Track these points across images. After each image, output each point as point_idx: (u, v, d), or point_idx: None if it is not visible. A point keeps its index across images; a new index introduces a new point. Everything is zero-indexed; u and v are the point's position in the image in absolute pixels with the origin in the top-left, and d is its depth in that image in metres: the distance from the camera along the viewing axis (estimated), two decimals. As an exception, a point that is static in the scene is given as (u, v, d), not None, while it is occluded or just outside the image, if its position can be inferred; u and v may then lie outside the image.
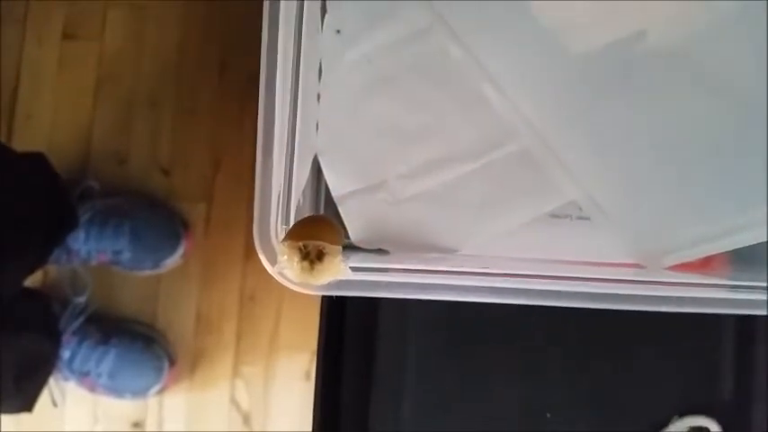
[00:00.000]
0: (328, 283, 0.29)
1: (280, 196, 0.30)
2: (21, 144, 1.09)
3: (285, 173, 0.30)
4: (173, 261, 1.06)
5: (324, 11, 0.38)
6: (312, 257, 0.29)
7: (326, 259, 0.29)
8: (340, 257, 0.29)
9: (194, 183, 1.09)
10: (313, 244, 0.29)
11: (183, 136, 1.10)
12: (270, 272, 0.29)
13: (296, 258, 0.29)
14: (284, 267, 0.29)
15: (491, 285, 0.32)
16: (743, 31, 0.37)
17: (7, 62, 1.09)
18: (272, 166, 0.29)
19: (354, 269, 0.30)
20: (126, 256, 1.03)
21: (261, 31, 0.30)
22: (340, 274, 0.29)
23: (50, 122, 1.10)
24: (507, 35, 0.40)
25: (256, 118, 0.30)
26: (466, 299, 0.31)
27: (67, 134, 1.10)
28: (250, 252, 1.08)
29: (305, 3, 0.33)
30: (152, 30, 1.11)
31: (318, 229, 0.29)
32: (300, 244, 0.29)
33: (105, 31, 1.11)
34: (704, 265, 0.41)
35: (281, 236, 0.30)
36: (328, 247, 0.29)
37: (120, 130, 1.10)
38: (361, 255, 0.37)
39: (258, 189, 0.29)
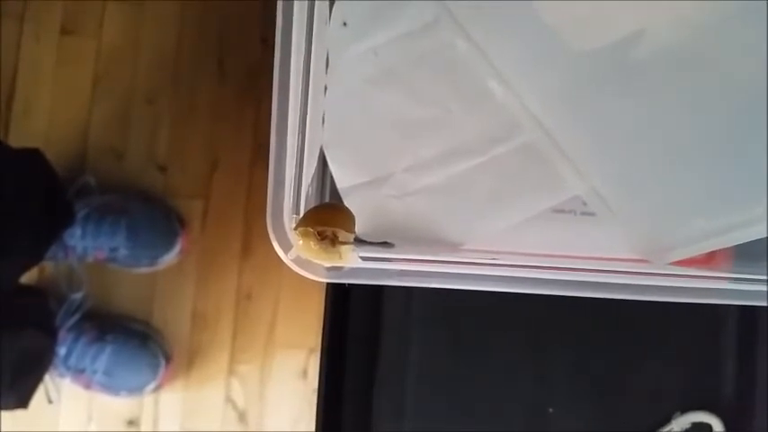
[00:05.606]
0: (340, 271, 0.29)
1: (292, 187, 0.30)
2: (17, 140, 1.08)
3: (296, 164, 0.30)
4: (169, 258, 1.05)
5: (332, 2, 0.38)
6: (330, 238, 0.29)
7: (342, 243, 0.29)
8: (352, 246, 0.29)
9: (191, 180, 1.09)
10: (329, 229, 0.29)
11: (180, 133, 1.09)
12: (283, 260, 0.29)
13: (312, 241, 0.28)
14: (299, 253, 0.29)
15: (500, 274, 0.32)
16: (746, 29, 0.37)
17: (5, 57, 1.09)
18: (285, 157, 0.29)
19: (364, 258, 0.30)
20: (122, 252, 1.02)
21: (276, 24, 0.30)
22: (351, 261, 0.29)
23: (48, 118, 1.10)
24: (514, 30, 0.40)
25: (255, 114, 0.30)
26: (475, 287, 0.31)
27: (65, 130, 1.10)
28: (247, 250, 1.07)
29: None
30: (150, 26, 1.10)
31: (333, 215, 0.29)
32: (315, 231, 0.28)
33: (103, 27, 1.10)
34: (708, 260, 0.42)
35: (293, 225, 0.29)
36: (342, 234, 0.29)
37: (117, 127, 1.10)
38: (366, 247, 0.37)
39: (271, 178, 0.29)
